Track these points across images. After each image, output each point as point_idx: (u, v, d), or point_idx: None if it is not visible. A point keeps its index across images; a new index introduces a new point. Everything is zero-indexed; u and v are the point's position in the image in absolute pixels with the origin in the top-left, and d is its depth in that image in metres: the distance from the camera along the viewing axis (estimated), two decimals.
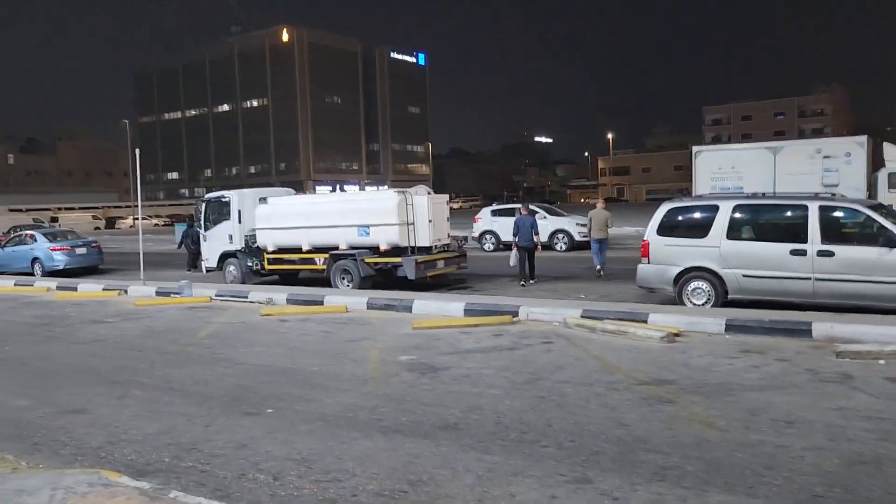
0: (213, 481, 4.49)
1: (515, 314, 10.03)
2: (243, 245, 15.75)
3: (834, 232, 9.12)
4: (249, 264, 15.61)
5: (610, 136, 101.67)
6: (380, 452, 4.89)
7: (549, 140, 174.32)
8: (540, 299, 11.39)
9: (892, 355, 6.90)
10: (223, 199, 16.32)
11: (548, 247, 21.33)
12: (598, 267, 15.50)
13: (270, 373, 7.59)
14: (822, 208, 9.18)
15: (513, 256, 14.65)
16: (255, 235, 15.44)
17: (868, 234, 8.96)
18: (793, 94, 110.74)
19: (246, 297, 13.17)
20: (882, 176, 16.12)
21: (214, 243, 16.34)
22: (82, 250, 21.08)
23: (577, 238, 21.15)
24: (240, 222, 15.79)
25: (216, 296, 13.63)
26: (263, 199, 15.66)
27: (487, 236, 23.40)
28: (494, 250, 22.72)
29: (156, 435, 5.50)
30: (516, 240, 14.49)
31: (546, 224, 21.53)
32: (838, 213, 9.32)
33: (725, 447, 4.75)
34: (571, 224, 21.91)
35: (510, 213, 22.22)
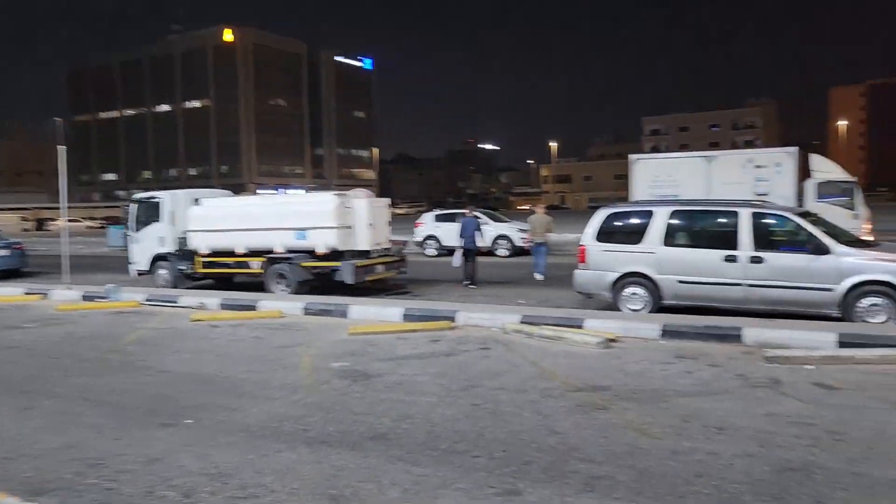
0: (116, 500, 4.16)
1: (454, 320, 9.89)
2: (176, 248, 15.18)
3: (765, 239, 9.27)
4: (182, 268, 15.05)
5: (553, 144, 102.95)
6: (303, 465, 4.65)
7: (495, 147, 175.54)
8: (479, 304, 11.27)
9: (820, 360, 7.00)
10: (154, 200, 15.70)
11: (490, 252, 21.37)
12: (539, 272, 15.67)
13: (195, 381, 7.23)
14: (753, 215, 9.34)
15: (457, 257, 14.89)
16: (187, 238, 14.89)
17: (797, 241, 9.13)
18: (727, 106, 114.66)
19: (176, 302, 12.67)
20: (810, 186, 16.63)
21: (145, 245, 15.70)
22: (3, 252, 19.99)
23: (519, 244, 21.19)
24: (172, 224, 15.21)
25: (145, 300, 13.07)
26: (197, 201, 15.13)
27: (430, 241, 23.23)
28: (437, 255, 22.58)
29: (60, 449, 5.11)
30: (462, 241, 14.76)
31: (488, 230, 21.60)
32: (769, 221, 9.48)
33: (657, 455, 4.68)
34: (513, 230, 21.96)
35: (452, 218, 22.14)
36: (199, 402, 6.33)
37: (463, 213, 16.92)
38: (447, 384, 6.71)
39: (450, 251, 18.18)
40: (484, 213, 22.99)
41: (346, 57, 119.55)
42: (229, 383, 7.06)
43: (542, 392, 6.33)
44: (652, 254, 9.82)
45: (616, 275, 10.07)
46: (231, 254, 14.34)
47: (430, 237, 23.30)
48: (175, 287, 14.87)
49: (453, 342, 8.76)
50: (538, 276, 15.66)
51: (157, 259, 15.47)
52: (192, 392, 6.74)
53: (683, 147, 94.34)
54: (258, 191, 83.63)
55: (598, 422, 5.42)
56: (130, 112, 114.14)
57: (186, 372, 7.66)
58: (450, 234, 20.07)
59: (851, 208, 16.44)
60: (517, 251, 21.34)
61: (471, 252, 14.91)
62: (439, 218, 23.78)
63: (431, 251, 23.03)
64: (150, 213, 15.65)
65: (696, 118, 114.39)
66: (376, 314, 10.69)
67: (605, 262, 10.21)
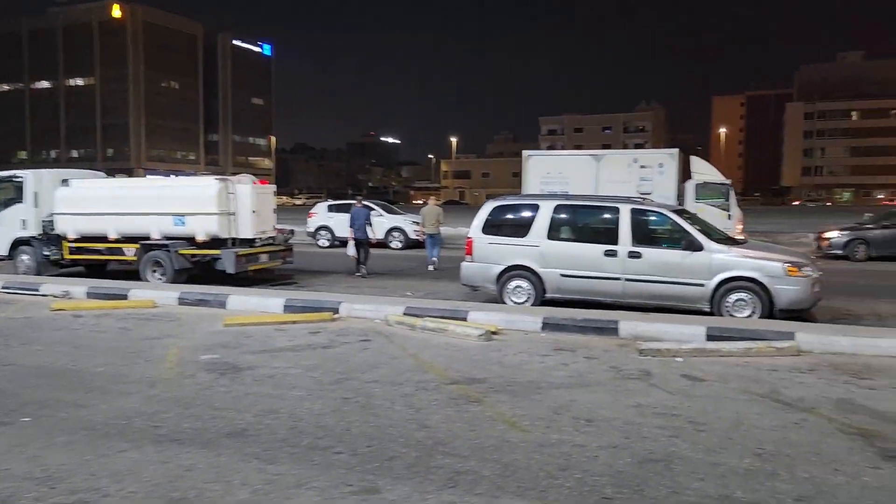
0: None
1: (336, 311, 9.60)
2: (40, 231, 14.03)
3: (643, 234, 9.50)
4: (47, 253, 13.93)
5: (453, 140, 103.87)
6: (146, 465, 4.26)
7: (396, 141, 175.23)
8: (364, 296, 11.03)
9: (689, 353, 7.21)
10: (16, 179, 14.43)
11: (383, 244, 21.15)
12: (431, 263, 15.85)
13: (43, 375, 6.60)
14: (633, 211, 9.56)
15: (351, 247, 14.79)
16: (54, 221, 13.79)
17: (673, 238, 9.42)
18: (619, 110, 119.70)
19: (37, 290, 11.69)
20: (690, 186, 17.39)
21: (4, 229, 14.42)
22: None
23: (412, 236, 21.07)
24: (36, 206, 14.03)
25: (2, 288, 12.00)
26: (65, 181, 14.04)
27: (322, 232, 22.72)
28: (330, 246, 22.11)
29: None
30: (352, 232, 14.72)
31: (382, 221, 21.42)
32: (647, 217, 9.73)
33: (525, 448, 4.60)
34: (407, 222, 21.80)
35: (347, 208, 21.73)
36: (42, 398, 5.76)
37: (355, 204, 16.69)
38: (320, 377, 6.44)
39: (343, 242, 17.87)
40: (378, 205, 22.78)
41: (245, 41, 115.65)
42: (82, 377, 6.50)
43: (418, 385, 6.17)
44: (536, 247, 9.88)
45: (501, 267, 10.07)
46: (103, 239, 13.43)
47: (322, 228, 22.78)
48: (39, 274, 13.76)
49: (333, 334, 8.47)
50: (430, 267, 15.79)
51: (19, 244, 14.26)
52: (36, 387, 6.14)
53: (578, 147, 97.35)
54: (148, 176, 79.71)
55: (470, 415, 5.31)
56: (5, 87, 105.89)
57: (35, 365, 7.00)
58: (343, 224, 19.67)
59: (726, 209, 17.32)
60: (410, 243, 21.21)
61: (362, 242, 14.81)
62: (333, 208, 23.29)
63: (324, 242, 22.52)
64: (10, 193, 14.40)
65: (590, 120, 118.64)
66: (256, 305, 10.24)
67: (491, 254, 10.20)
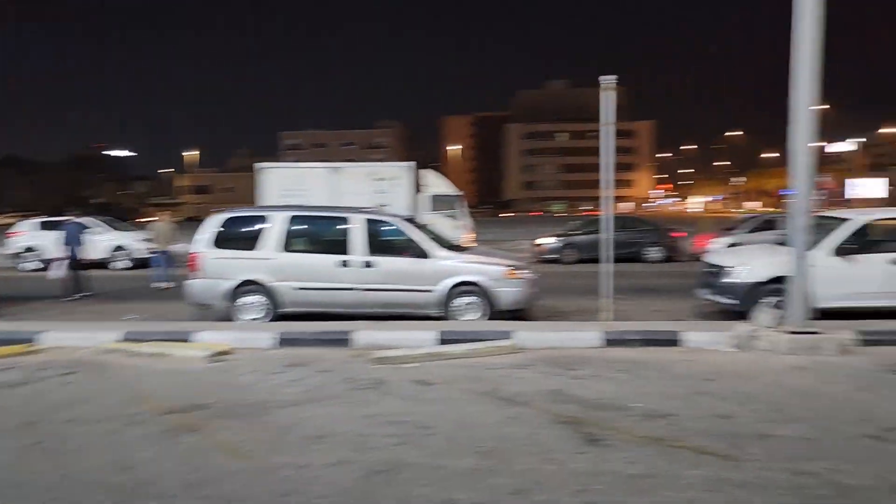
0: None
1: (38, 342, 8.32)
2: None
3: (376, 244, 9.58)
4: None
5: (189, 153, 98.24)
6: None
7: (131, 154, 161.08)
8: (75, 322, 9.75)
9: (420, 358, 7.35)
10: None
11: (108, 263, 19.19)
12: (161, 281, 14.83)
13: None
14: (366, 221, 9.63)
15: (57, 268, 13.54)
16: None
17: (404, 247, 9.63)
18: (360, 127, 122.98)
19: None
20: (424, 198, 18.17)
21: None
22: None
23: (140, 255, 19.31)
24: None
25: None
26: None
27: (29, 253, 19.87)
28: (42, 269, 19.37)
29: None
30: (65, 251, 13.56)
31: (108, 239, 19.45)
32: (379, 227, 9.81)
33: (244, 477, 4.25)
34: (134, 239, 19.93)
35: (59, 226, 19.26)
36: None
37: (67, 220, 14.92)
38: (2, 423, 5.43)
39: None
40: (104, 221, 20.64)
41: None
42: None
43: (128, 419, 5.47)
44: (269, 260, 9.50)
45: (232, 283, 9.51)
46: None
47: (29, 249, 19.95)
48: None
49: (30, 369, 7.28)
50: (160, 286, 14.58)
51: None
52: None
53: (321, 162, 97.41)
54: None
55: (185, 447, 4.80)
56: None
57: None
58: (56, 245, 17.40)
59: (458, 219, 18.38)
60: (138, 263, 19.41)
61: (76, 262, 13.35)
62: (44, 226, 20.49)
63: (30, 264, 19.70)
64: None
65: (332, 136, 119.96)
66: None
67: (221, 269, 9.59)
